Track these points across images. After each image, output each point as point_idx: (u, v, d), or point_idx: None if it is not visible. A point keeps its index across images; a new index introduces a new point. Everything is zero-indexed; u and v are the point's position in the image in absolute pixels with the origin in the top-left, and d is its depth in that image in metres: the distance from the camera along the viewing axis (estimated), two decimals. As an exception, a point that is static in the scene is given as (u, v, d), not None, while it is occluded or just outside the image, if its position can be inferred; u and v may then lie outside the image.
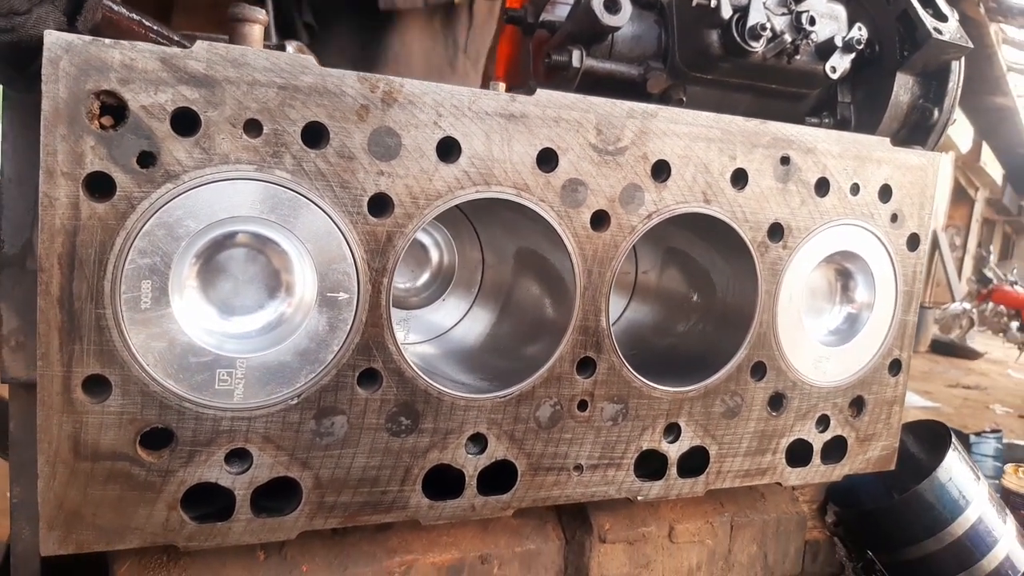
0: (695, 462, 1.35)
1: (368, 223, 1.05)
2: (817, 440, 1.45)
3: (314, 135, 1.01)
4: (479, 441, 1.17)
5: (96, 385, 0.95)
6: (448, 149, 1.08)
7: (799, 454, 1.44)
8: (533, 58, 1.62)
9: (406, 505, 1.14)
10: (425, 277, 1.48)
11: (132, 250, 0.94)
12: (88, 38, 0.89)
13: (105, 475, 0.97)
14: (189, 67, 0.93)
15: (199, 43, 0.94)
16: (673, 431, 1.31)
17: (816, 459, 1.46)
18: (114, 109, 0.92)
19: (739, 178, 1.28)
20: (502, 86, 1.28)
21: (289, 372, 1.03)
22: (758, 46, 1.38)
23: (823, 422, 1.45)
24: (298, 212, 1.01)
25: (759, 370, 1.36)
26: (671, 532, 1.48)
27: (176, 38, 1.27)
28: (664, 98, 1.51)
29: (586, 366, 1.22)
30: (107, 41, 0.90)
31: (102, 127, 0.91)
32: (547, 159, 1.14)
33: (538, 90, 1.12)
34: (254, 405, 1.02)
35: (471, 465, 1.17)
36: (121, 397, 0.96)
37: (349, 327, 1.05)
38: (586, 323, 1.20)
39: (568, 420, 1.22)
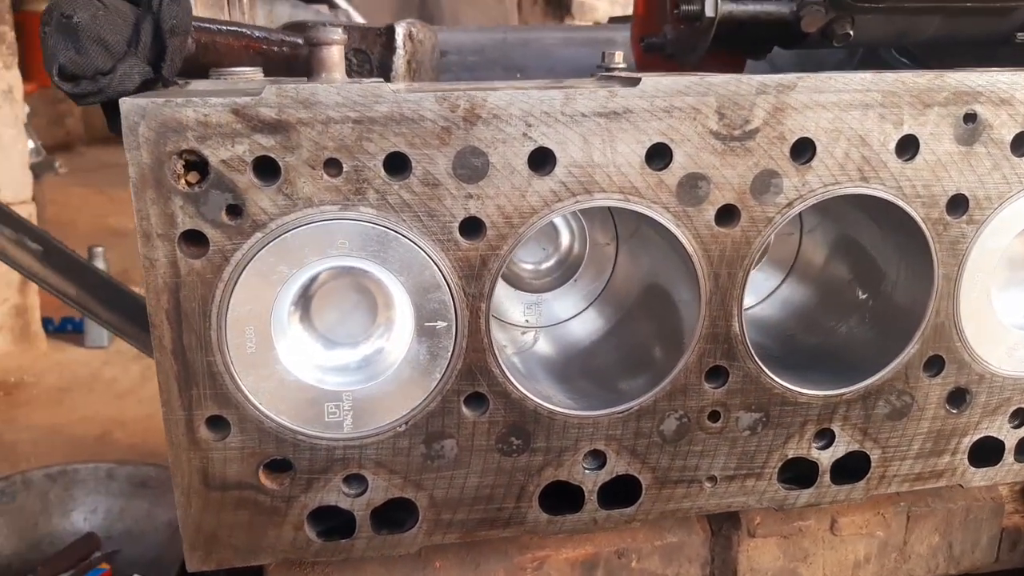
0: (854, 464, 1.21)
1: (460, 249, 0.99)
2: (1011, 436, 1.24)
3: (396, 165, 0.96)
4: (597, 457, 1.12)
5: (216, 424, 1.01)
6: (541, 160, 0.98)
7: (986, 452, 1.25)
8: (669, 1, 1.43)
9: (523, 520, 1.13)
10: (553, 261, 1.41)
11: (232, 300, 0.96)
12: (160, 100, 0.89)
13: (234, 502, 1.04)
14: (261, 115, 0.91)
15: (268, 88, 0.90)
16: (825, 436, 1.18)
17: (1009, 457, 1.25)
18: (198, 164, 0.92)
19: (907, 146, 1.06)
20: (619, 55, 1.15)
21: (394, 401, 1.04)
22: (940, -30, 1.11)
23: (1019, 416, 1.23)
24: (387, 246, 0.98)
25: (935, 365, 1.17)
26: (833, 525, 1.35)
27: (278, 36, 1.25)
28: (826, 35, 1.28)
29: (716, 375, 1.11)
30: (178, 100, 0.89)
31: (188, 184, 0.92)
32: (658, 155, 1.01)
33: (642, 79, 0.98)
34: (364, 434, 1.04)
35: (590, 480, 1.13)
36: (240, 434, 1.01)
37: (450, 354, 1.03)
38: (714, 330, 1.09)
39: (697, 432, 1.13)
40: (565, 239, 1.41)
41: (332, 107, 0.92)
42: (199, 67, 1.12)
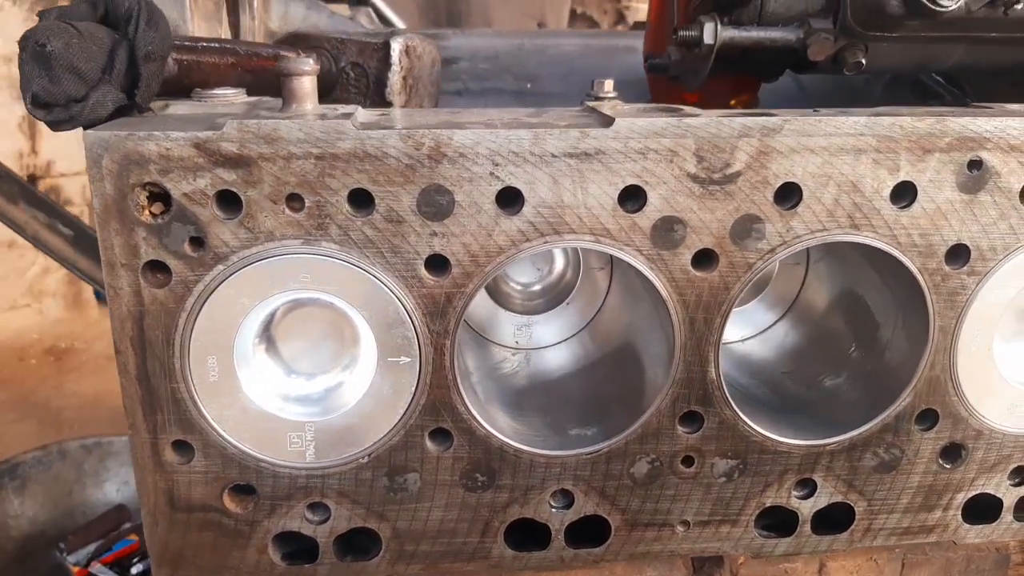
0: (837, 514, 1.17)
1: (424, 286, 0.98)
2: (1010, 494, 1.18)
3: (359, 201, 0.94)
4: (565, 496, 1.10)
5: (181, 448, 1.02)
6: (509, 200, 0.96)
7: (982, 508, 1.19)
8: (678, 10, 1.37)
9: (488, 555, 1.12)
10: (546, 283, 1.38)
11: (194, 330, 0.97)
12: (123, 133, 0.89)
13: (199, 524, 1.06)
14: (223, 149, 0.90)
15: (229, 123, 0.90)
16: (806, 486, 1.14)
17: (1007, 515, 1.19)
18: (162, 196, 0.93)
19: (903, 194, 1.01)
20: (609, 83, 1.12)
21: (357, 433, 1.03)
22: (950, 3, 1.04)
23: (1019, 474, 1.17)
24: (350, 281, 0.97)
25: (928, 418, 1.11)
26: (821, 569, 1.31)
27: (270, 52, 1.25)
28: (837, 62, 1.21)
29: (691, 420, 1.08)
30: (140, 133, 0.89)
31: (153, 215, 0.93)
32: (632, 197, 0.97)
33: (616, 121, 0.94)
34: (326, 464, 1.04)
35: (557, 519, 1.11)
36: (204, 459, 1.02)
37: (414, 390, 1.02)
38: (689, 375, 1.05)
39: (670, 477, 1.10)
40: (559, 260, 1.38)
41: (294, 143, 0.91)
42: (183, 88, 1.12)
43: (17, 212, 2.34)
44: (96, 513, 2.97)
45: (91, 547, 2.83)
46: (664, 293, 1.01)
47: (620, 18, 6.68)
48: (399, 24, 2.30)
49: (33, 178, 4.91)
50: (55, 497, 2.96)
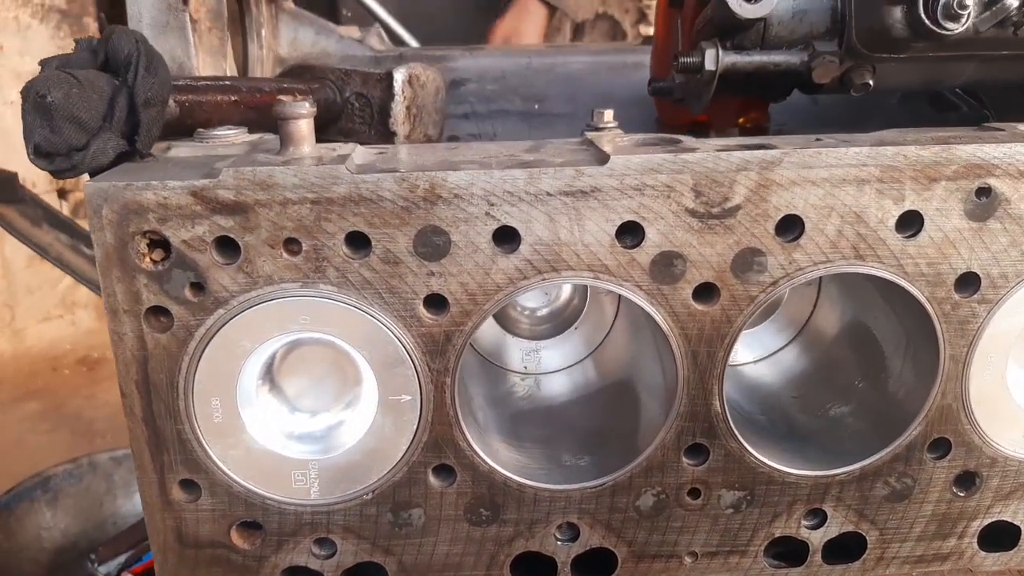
0: (849, 543, 1.15)
1: (423, 325, 0.98)
2: (1029, 523, 1.15)
3: (355, 243, 0.95)
4: (570, 529, 1.10)
5: (188, 487, 1.04)
6: (505, 239, 0.96)
7: (999, 535, 1.16)
8: (682, 34, 1.36)
9: (495, 589, 1.12)
10: (553, 309, 1.38)
11: (197, 372, 0.98)
12: (122, 183, 0.90)
13: (208, 560, 1.07)
14: (220, 196, 0.91)
15: (224, 171, 0.91)
16: (816, 516, 1.12)
17: (1027, 544, 1.17)
18: (161, 243, 0.94)
19: (909, 223, 0.99)
20: (608, 113, 1.11)
21: (360, 470, 1.04)
22: (957, 26, 1.01)
23: (1039, 503, 1.14)
24: (349, 321, 0.97)
25: (940, 447, 1.09)
26: (835, 593, 1.30)
27: (274, 85, 1.25)
28: (844, 84, 1.19)
29: (696, 453, 1.07)
30: (138, 183, 0.90)
31: (154, 262, 0.94)
32: (630, 233, 0.97)
33: (611, 158, 0.93)
34: (330, 501, 1.05)
35: (563, 552, 1.11)
36: (211, 497, 1.04)
37: (416, 427, 1.02)
38: (693, 408, 1.04)
39: (676, 509, 1.09)
40: (567, 285, 1.38)
41: (290, 188, 0.92)
42: (186, 128, 1.13)
43: (41, 234, 2.39)
44: (126, 524, 3.02)
45: (122, 558, 2.88)
46: (665, 327, 1.00)
47: (641, 17, 6.63)
48: (412, 42, 2.30)
49: (63, 192, 5.01)
50: (86, 509, 3.01)
